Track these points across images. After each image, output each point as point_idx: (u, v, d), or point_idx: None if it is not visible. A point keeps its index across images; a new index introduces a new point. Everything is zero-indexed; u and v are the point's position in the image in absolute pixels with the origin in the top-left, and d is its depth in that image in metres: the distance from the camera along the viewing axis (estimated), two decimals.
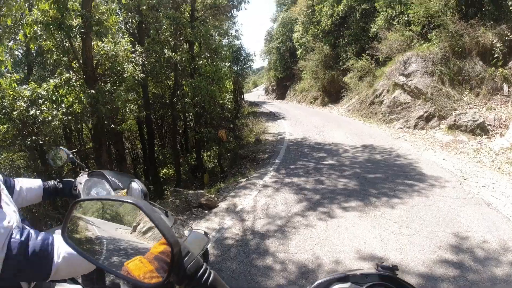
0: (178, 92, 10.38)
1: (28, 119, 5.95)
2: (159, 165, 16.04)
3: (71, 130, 10.97)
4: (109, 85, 6.56)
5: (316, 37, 22.62)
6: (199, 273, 0.66)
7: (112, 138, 11.34)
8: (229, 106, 12.50)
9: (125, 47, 7.36)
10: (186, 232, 2.02)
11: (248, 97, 37.18)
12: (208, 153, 15.69)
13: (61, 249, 0.98)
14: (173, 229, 1.19)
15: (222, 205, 5.56)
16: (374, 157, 7.94)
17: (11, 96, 5.63)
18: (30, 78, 7.76)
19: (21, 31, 5.43)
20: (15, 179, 1.54)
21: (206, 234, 2.48)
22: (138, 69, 8.04)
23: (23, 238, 0.95)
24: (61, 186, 1.71)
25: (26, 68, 9.60)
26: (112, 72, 7.02)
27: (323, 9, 22.06)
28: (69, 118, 6.90)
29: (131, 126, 15.89)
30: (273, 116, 19.27)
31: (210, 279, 0.67)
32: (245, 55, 21.81)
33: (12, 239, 0.93)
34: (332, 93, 21.54)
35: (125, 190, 1.48)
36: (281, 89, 34.71)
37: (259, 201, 5.51)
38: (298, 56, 26.15)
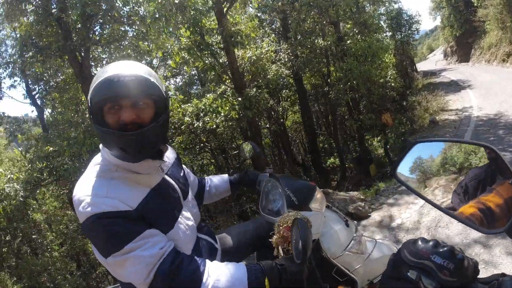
0: (329, 80, 9.76)
1: (196, 129, 7.05)
2: (326, 154, 15.88)
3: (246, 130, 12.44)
4: (254, 89, 6.84)
5: None
6: None
7: (276, 135, 12.03)
8: (393, 84, 10.71)
9: (267, 49, 7.48)
10: (369, 245, 1.64)
11: (422, 66, 31.50)
12: (378, 138, 14.24)
13: (210, 279, 1.00)
14: (353, 241, 1.34)
15: (375, 215, 4.51)
16: None
17: (180, 113, 6.79)
18: (191, 97, 9.21)
19: (169, 60, 6.41)
20: (206, 178, 1.72)
21: (395, 246, 2.00)
22: (283, 67, 8.04)
23: (173, 267, 1.00)
24: (247, 177, 1.77)
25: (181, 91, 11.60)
26: (258, 76, 7.30)
27: None
28: (229, 124, 7.72)
29: (297, 119, 16.48)
30: (455, 86, 15.54)
31: None
32: (407, 18, 18.39)
33: (161, 267, 0.99)
34: None
35: (294, 213, 1.30)
36: (463, 49, 27.42)
37: (425, 215, 4.09)
38: (475, 4, 20.12)
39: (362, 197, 5.51)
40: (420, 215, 4.09)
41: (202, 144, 7.21)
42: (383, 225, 4.14)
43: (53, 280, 10.73)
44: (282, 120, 10.37)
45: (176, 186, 1.26)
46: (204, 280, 1.00)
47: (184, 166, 1.55)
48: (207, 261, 1.07)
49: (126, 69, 1.04)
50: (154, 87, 1.07)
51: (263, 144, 10.41)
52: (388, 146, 10.71)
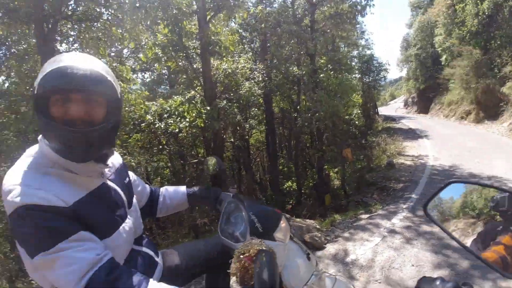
0: (298, 107, 9.97)
1: (157, 130, 6.74)
2: (284, 177, 16.02)
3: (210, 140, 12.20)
4: (224, 102, 6.74)
5: (462, 40, 18.72)
6: None
7: (239, 150, 11.94)
8: (356, 122, 11.23)
9: (244, 65, 7.50)
10: (329, 282, 1.50)
11: (384, 110, 33.72)
12: (336, 169, 14.69)
13: None
14: (313, 276, 1.26)
15: (330, 248, 4.39)
16: None
17: (142, 109, 6.46)
18: (157, 96, 8.90)
19: (141, 54, 6.19)
20: (161, 188, 1.60)
21: (353, 285, 1.83)
22: (256, 86, 8.08)
23: (110, 278, 0.90)
24: (206, 194, 1.64)
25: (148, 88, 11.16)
26: (230, 89, 7.24)
27: (465, 8, 18.15)
28: (193, 131, 7.49)
29: (261, 138, 16.58)
30: (412, 134, 16.52)
31: None
32: (377, 65, 19.98)
33: (96, 274, 0.88)
34: (489, 107, 16.92)
35: (259, 242, 1.17)
36: (423, 102, 29.95)
37: (380, 253, 4.08)
38: (443, 63, 22.19)
39: (317, 226, 5.41)
40: (375, 253, 4.04)
41: (161, 146, 6.90)
42: (337, 259, 4.03)
43: None
44: (247, 137, 10.33)
45: (121, 192, 1.17)
46: None
47: (131, 174, 1.44)
48: (151, 280, 0.96)
49: (82, 61, 0.97)
50: (109, 86, 1.01)
51: (223, 157, 10.25)
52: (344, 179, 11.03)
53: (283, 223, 1.46)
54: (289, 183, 15.86)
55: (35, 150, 1.05)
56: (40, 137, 1.06)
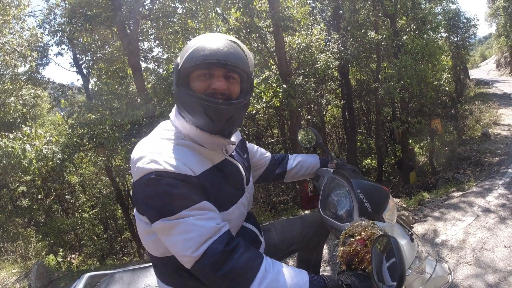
0: (380, 76, 9.16)
1: None
2: (362, 154, 15.28)
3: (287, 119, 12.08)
4: (301, 78, 6.52)
5: None
6: None
7: (314, 128, 11.61)
8: (446, 88, 9.97)
9: (317, 37, 7.10)
10: (429, 265, 1.46)
11: (474, 73, 29.63)
12: (421, 144, 13.46)
13: (267, 275, 0.90)
14: (416, 259, 1.22)
15: (419, 227, 4.19)
16: None
17: None
18: None
19: None
20: (290, 155, 1.64)
21: (450, 271, 1.70)
22: (332, 57, 7.61)
23: (228, 248, 0.91)
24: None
25: None
26: (305, 64, 6.97)
27: None
28: (269, 111, 7.46)
29: (336, 114, 15.94)
30: (507, 100, 14.49)
31: None
32: (465, 20, 17.12)
33: (215, 244, 0.90)
34: None
35: (370, 224, 1.12)
36: None
37: (472, 234, 3.82)
38: None
39: (404, 205, 5.20)
40: (467, 234, 3.83)
41: (240, 128, 7.03)
42: (426, 240, 3.85)
43: (79, 239, 11.13)
44: (323, 113, 9.98)
45: (241, 168, 1.20)
46: (259, 274, 0.90)
47: (250, 145, 1.49)
48: (266, 256, 0.97)
49: (225, 40, 1.02)
50: (248, 64, 1.04)
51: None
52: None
53: (391, 202, 1.37)
54: (368, 160, 15.11)
55: (168, 124, 1.11)
56: (173, 112, 1.12)
